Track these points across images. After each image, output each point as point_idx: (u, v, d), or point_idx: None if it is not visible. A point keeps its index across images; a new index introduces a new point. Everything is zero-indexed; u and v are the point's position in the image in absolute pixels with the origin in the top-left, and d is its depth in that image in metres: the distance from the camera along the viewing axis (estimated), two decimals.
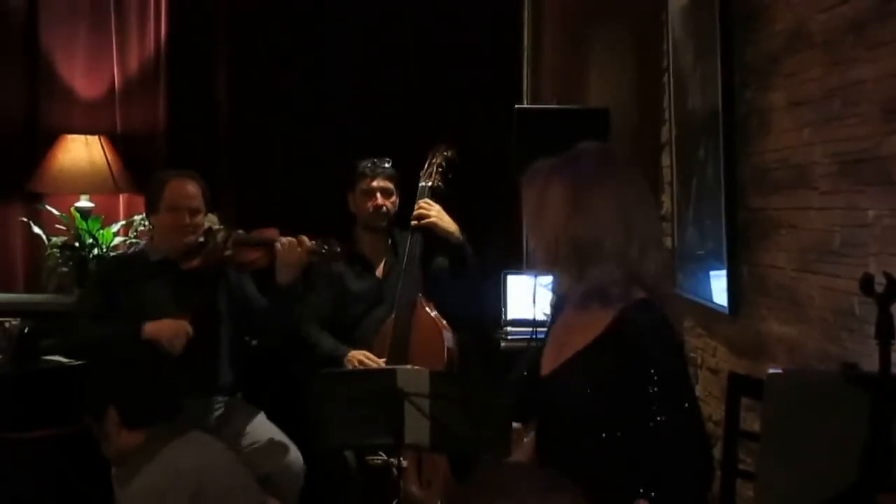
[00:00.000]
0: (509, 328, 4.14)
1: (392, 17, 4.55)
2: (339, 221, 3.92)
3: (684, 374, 1.97)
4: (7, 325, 3.76)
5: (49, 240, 4.45)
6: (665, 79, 3.83)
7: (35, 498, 3.47)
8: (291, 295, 3.45)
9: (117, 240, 4.48)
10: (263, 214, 3.83)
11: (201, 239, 3.41)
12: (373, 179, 3.81)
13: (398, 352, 3.59)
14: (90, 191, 4.46)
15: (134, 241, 4.43)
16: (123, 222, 4.54)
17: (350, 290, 3.81)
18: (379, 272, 3.87)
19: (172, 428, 2.39)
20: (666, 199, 3.86)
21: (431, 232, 3.80)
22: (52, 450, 3.53)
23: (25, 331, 3.74)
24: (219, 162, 4.55)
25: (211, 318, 3.42)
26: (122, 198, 4.62)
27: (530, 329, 3.54)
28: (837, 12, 2.42)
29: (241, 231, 3.48)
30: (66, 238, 4.44)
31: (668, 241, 3.70)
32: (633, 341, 1.88)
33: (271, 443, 3.46)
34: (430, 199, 3.83)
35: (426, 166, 3.90)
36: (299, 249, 3.38)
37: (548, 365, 2.05)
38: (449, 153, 3.93)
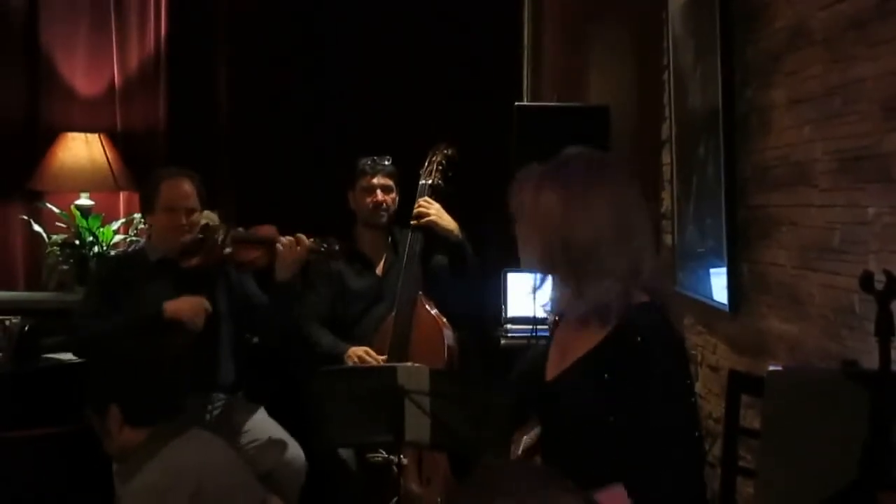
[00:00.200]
0: (509, 326, 4.14)
1: (392, 17, 4.56)
2: (340, 220, 3.92)
3: (685, 376, 1.97)
4: (7, 323, 3.76)
5: (49, 238, 4.46)
6: (665, 76, 3.83)
7: (36, 496, 3.47)
8: (290, 293, 3.46)
9: (117, 238, 4.48)
10: (263, 214, 3.83)
11: (200, 236, 3.41)
12: (373, 176, 3.82)
13: (399, 349, 3.60)
14: (90, 189, 4.46)
15: (134, 238, 4.44)
16: (123, 220, 4.55)
17: (350, 287, 3.81)
18: (379, 270, 3.88)
19: (174, 426, 2.39)
20: (666, 196, 3.87)
21: (431, 230, 3.81)
22: (53, 448, 3.53)
23: (26, 329, 3.74)
24: (219, 161, 4.56)
25: (212, 316, 3.43)
26: (122, 196, 4.62)
27: (530, 327, 3.60)
28: (838, 10, 2.42)
29: (239, 228, 3.48)
30: (66, 236, 4.45)
31: (668, 239, 3.71)
32: (635, 343, 1.88)
33: (272, 440, 3.47)
34: (431, 197, 3.84)
35: (426, 164, 3.91)
36: (298, 248, 3.39)
37: (552, 370, 2.05)
38: (449, 151, 3.93)
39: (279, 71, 4.58)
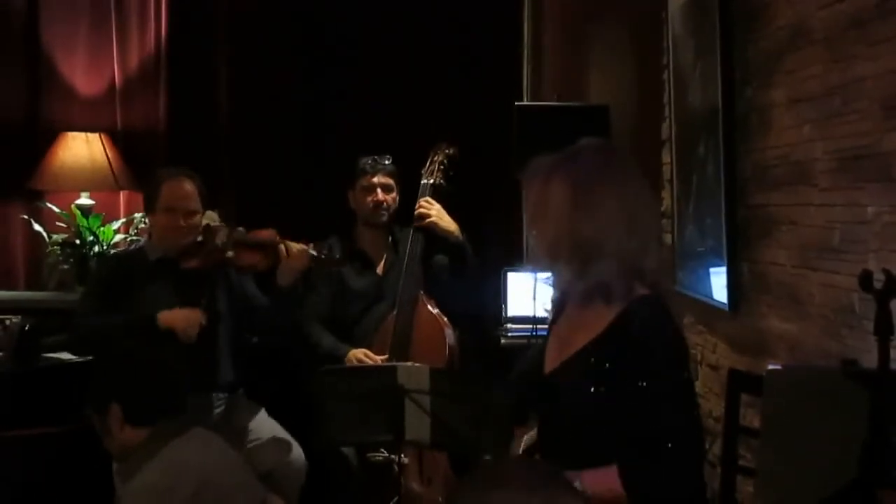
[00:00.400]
0: (509, 325, 4.14)
1: (392, 17, 4.55)
2: (340, 220, 3.93)
3: (685, 369, 1.98)
4: (8, 322, 3.77)
5: (50, 237, 4.46)
6: (665, 76, 3.83)
7: (36, 496, 3.47)
8: (291, 296, 3.47)
9: (118, 237, 4.48)
10: (263, 214, 3.84)
11: (199, 238, 3.40)
12: (373, 175, 3.82)
13: (400, 349, 3.60)
14: (91, 188, 4.46)
15: (134, 238, 4.44)
16: (124, 220, 4.55)
17: (350, 287, 3.81)
18: (379, 269, 3.88)
19: (174, 425, 2.39)
20: (666, 196, 3.87)
21: (431, 231, 3.81)
22: (53, 448, 3.53)
23: (26, 328, 3.75)
24: (219, 161, 4.55)
25: (212, 316, 3.43)
26: (122, 195, 4.62)
27: (530, 326, 3.60)
28: (838, 9, 2.43)
29: (240, 228, 3.48)
30: (66, 235, 4.45)
31: (668, 238, 3.71)
32: (636, 335, 1.89)
33: (273, 440, 3.47)
34: (432, 196, 3.84)
35: (427, 164, 3.91)
36: (301, 257, 3.38)
37: (551, 362, 2.06)
38: (450, 151, 3.94)
39: (279, 71, 4.57)
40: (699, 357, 3.54)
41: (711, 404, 3.33)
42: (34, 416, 3.56)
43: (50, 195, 4.54)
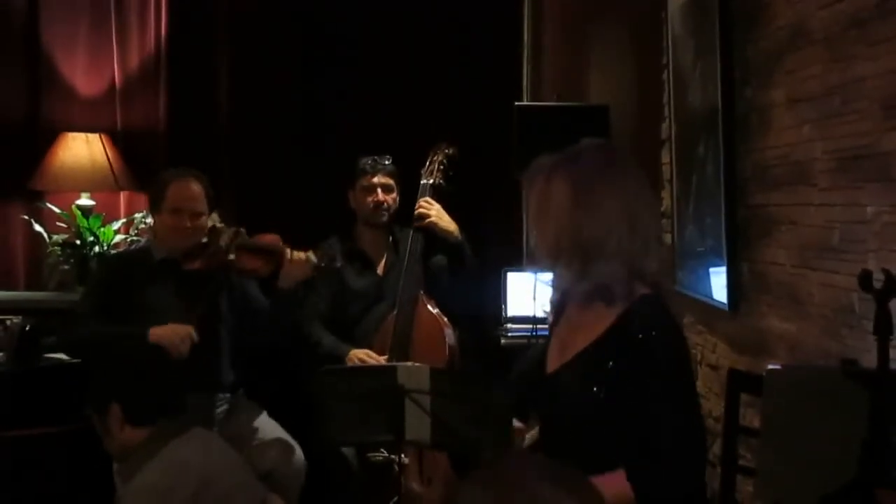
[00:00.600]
0: (509, 325, 4.15)
1: (392, 17, 4.55)
2: (340, 220, 3.93)
3: (687, 369, 1.98)
4: (8, 322, 3.77)
5: (50, 237, 4.46)
6: (665, 76, 3.83)
7: (36, 496, 3.48)
8: (292, 300, 3.47)
9: (118, 238, 4.48)
10: (263, 214, 3.83)
11: (204, 240, 3.40)
12: (373, 176, 3.83)
13: (400, 349, 3.60)
14: (91, 188, 4.46)
15: (135, 238, 4.44)
16: (124, 220, 4.55)
17: (350, 287, 3.82)
18: (380, 269, 3.88)
19: (174, 425, 2.40)
20: (666, 195, 3.87)
21: (431, 231, 3.81)
22: (53, 448, 3.54)
23: (27, 329, 3.75)
24: (219, 161, 4.55)
25: (213, 317, 3.43)
26: (122, 195, 4.62)
27: (530, 326, 3.60)
28: (838, 9, 2.43)
29: (242, 230, 3.47)
30: (67, 236, 4.44)
31: (668, 238, 3.71)
32: (638, 336, 1.89)
33: (273, 440, 3.47)
34: (432, 196, 3.84)
35: (428, 164, 3.92)
36: (305, 265, 3.38)
37: (552, 363, 2.06)
38: (450, 151, 3.94)
39: (279, 71, 4.57)
40: (699, 357, 3.55)
41: (711, 404, 3.33)
42: (34, 416, 3.56)
43: (50, 195, 4.54)
